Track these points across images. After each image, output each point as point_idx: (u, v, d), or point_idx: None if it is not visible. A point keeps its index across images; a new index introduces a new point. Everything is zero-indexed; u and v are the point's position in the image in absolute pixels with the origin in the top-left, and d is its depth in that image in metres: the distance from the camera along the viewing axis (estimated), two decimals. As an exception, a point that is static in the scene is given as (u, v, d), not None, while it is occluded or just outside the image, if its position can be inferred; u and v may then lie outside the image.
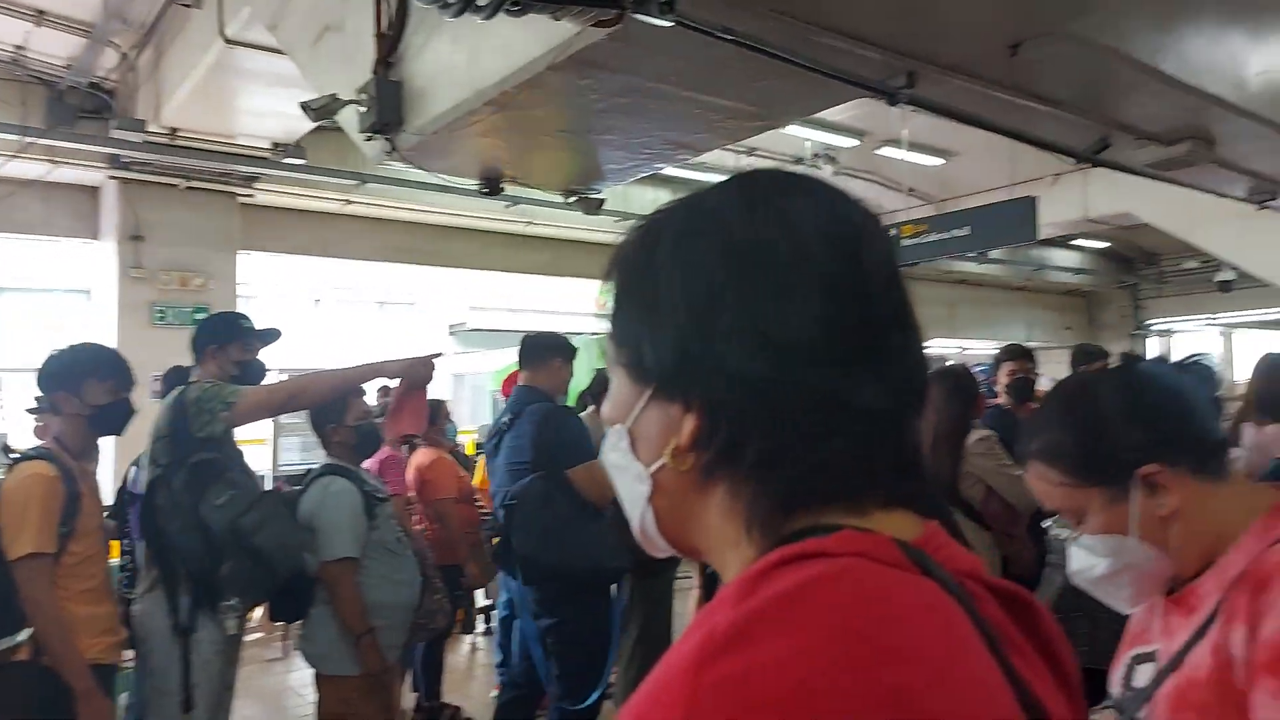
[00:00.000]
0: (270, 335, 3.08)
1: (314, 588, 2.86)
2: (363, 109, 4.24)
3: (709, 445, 0.57)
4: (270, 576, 2.63)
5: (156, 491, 2.61)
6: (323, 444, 3.13)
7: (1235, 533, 1.08)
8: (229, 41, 5.53)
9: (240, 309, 8.44)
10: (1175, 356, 14.08)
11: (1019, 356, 4.62)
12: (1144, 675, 1.13)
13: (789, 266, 0.56)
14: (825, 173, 11.20)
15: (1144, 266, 16.09)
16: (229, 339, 2.92)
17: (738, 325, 0.55)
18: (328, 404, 3.02)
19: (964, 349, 17.68)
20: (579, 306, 13.84)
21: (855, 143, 9.93)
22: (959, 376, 3.93)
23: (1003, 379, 4.66)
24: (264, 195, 8.61)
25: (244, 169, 7.79)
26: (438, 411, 4.94)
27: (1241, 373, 19.38)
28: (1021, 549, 3.50)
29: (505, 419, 3.46)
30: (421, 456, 4.68)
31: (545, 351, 3.56)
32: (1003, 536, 3.58)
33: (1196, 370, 1.20)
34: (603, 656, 3.28)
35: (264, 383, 2.98)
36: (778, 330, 0.55)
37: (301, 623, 2.98)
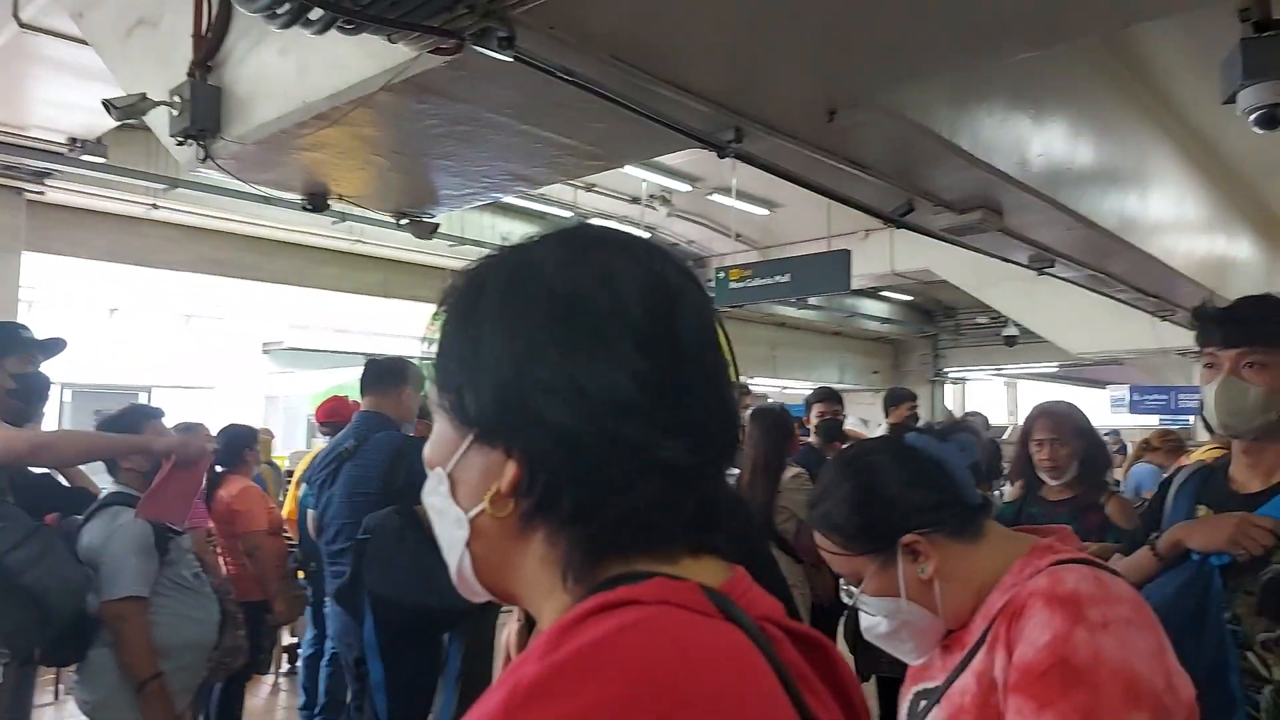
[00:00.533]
0: (54, 346, 2.82)
1: (95, 629, 2.59)
2: (175, 112, 3.97)
3: (528, 494, 0.58)
4: (45, 621, 2.36)
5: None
6: (109, 470, 2.86)
7: (997, 579, 1.18)
8: (24, 26, 5.03)
9: (21, 317, 7.63)
10: (969, 402, 15.31)
11: (827, 399, 4.92)
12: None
13: (606, 323, 0.58)
14: (660, 214, 11.53)
15: (943, 319, 17.55)
16: (6, 350, 2.65)
17: (555, 378, 0.57)
18: (119, 422, 2.79)
19: (784, 388, 18.60)
20: (411, 330, 13.42)
21: (689, 188, 10.29)
22: (775, 416, 4.13)
23: (813, 419, 4.94)
24: (57, 194, 7.84)
25: (33, 164, 7.07)
26: (249, 440, 4.62)
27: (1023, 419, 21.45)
28: (829, 580, 3.70)
29: (347, 445, 3.26)
30: (229, 486, 4.35)
31: (392, 377, 3.40)
32: (812, 569, 3.78)
33: (958, 439, 1.31)
34: (428, 699, 3.17)
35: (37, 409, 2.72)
36: (593, 385, 0.56)
37: (77, 666, 2.69)
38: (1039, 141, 4.92)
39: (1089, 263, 6.81)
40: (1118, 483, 7.98)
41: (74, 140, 6.93)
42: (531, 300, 0.59)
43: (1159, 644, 1.03)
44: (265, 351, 14.58)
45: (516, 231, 10.66)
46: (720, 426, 0.62)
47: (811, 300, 14.26)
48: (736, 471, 4.26)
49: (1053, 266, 6.66)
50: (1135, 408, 12.18)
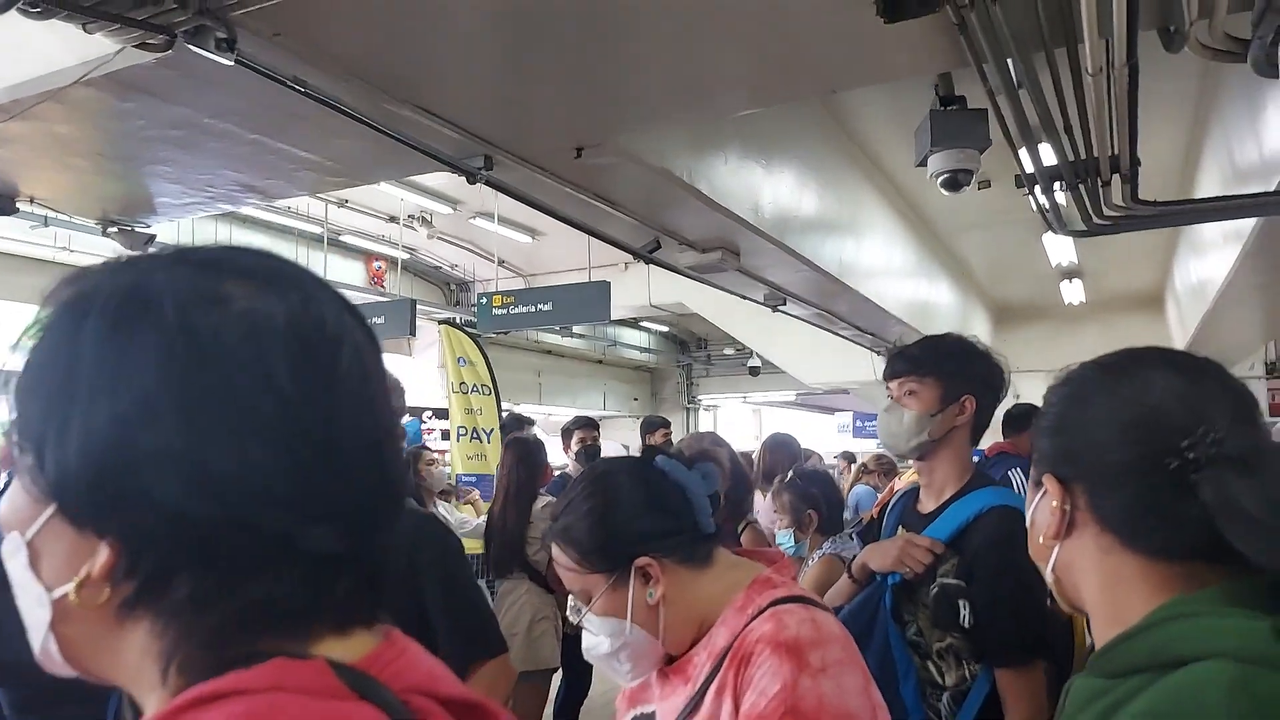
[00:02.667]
0: None
1: None
2: None
3: (127, 580, 0.48)
4: None
5: None
6: None
7: (719, 610, 1.20)
8: None
9: None
10: (720, 427, 16.03)
11: (585, 426, 4.98)
12: None
13: (244, 381, 0.48)
14: (420, 235, 11.21)
15: (695, 350, 18.50)
16: None
17: (171, 447, 0.46)
18: None
19: (549, 414, 18.68)
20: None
21: (450, 210, 10.10)
22: (528, 445, 4.11)
23: (573, 446, 4.97)
24: None
25: None
26: None
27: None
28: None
29: None
30: None
31: None
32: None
33: (701, 468, 1.34)
34: None
35: None
36: (221, 462, 0.47)
37: None
38: (769, 190, 5.31)
39: (815, 302, 7.45)
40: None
41: None
42: (148, 343, 0.48)
43: (866, 678, 1.12)
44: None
45: (255, 245, 9.89)
46: (384, 498, 0.55)
47: (575, 329, 14.51)
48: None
49: (785, 304, 7.21)
50: (858, 433, 13.48)
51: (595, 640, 1.22)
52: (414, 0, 2.76)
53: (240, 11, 2.63)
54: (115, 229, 4.66)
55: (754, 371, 16.99)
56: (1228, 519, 0.69)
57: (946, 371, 1.77)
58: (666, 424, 6.23)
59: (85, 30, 2.67)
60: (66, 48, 2.98)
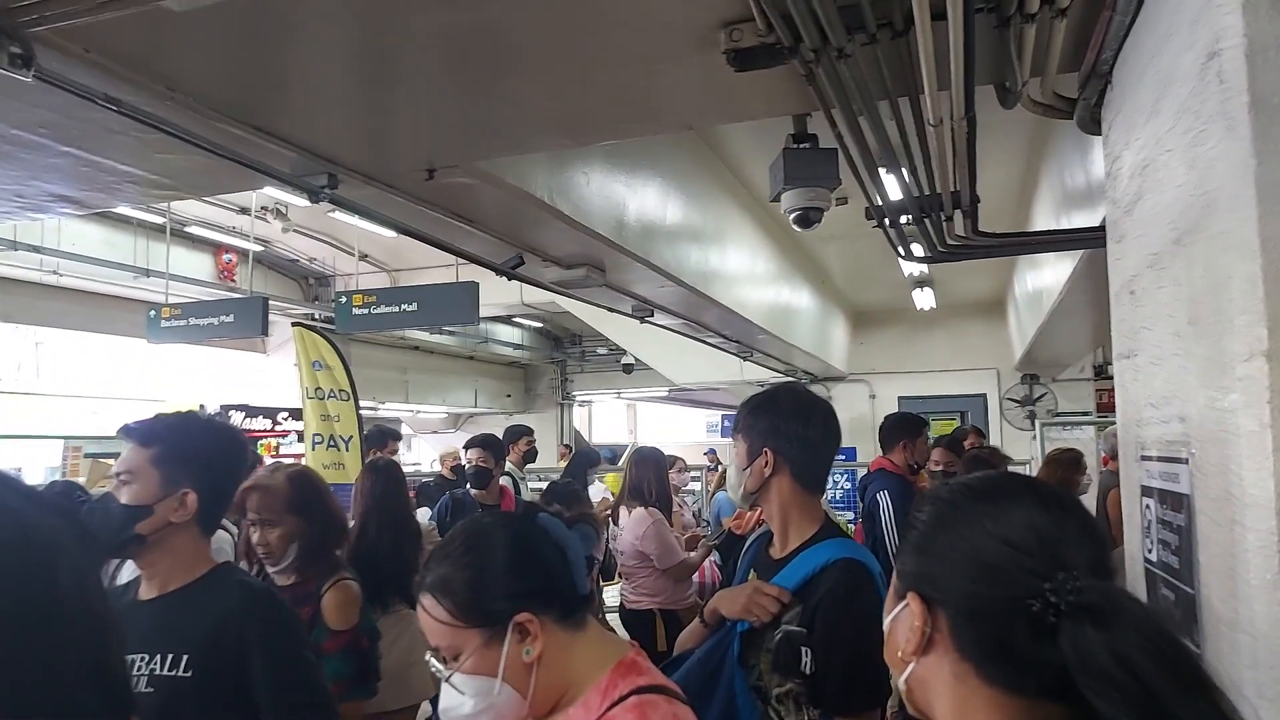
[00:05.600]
0: None
1: None
2: None
3: None
4: None
5: None
6: None
7: (584, 682, 1.20)
8: None
9: None
10: (595, 422, 16.08)
11: (479, 445, 4.82)
12: None
13: None
14: (274, 227, 10.63)
15: (570, 346, 18.41)
16: None
17: None
18: None
19: (418, 412, 18.17)
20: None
21: (306, 201, 9.61)
22: (390, 469, 3.95)
23: (470, 465, 4.83)
24: None
25: None
26: None
27: (643, 435, 23.29)
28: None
29: None
30: None
31: None
32: None
33: (580, 529, 1.33)
34: None
35: None
36: None
37: None
38: (633, 206, 5.29)
39: (682, 313, 7.52)
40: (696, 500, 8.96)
41: None
42: None
43: None
44: None
45: (90, 237, 9.15)
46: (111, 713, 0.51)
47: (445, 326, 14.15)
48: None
49: (653, 315, 7.24)
50: (726, 432, 13.77)
51: (458, 700, 1.18)
52: (252, 23, 2.56)
53: (39, 29, 2.36)
54: (-96, 237, 4.16)
55: (628, 369, 17.08)
56: (1082, 671, 0.71)
57: (745, 428, 1.86)
58: (529, 432, 6.17)
59: None
60: None
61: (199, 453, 1.74)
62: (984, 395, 13.31)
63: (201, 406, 12.40)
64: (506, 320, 15.95)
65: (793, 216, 3.74)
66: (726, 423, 13.70)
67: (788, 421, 1.82)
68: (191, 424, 1.79)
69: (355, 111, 3.26)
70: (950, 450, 4.71)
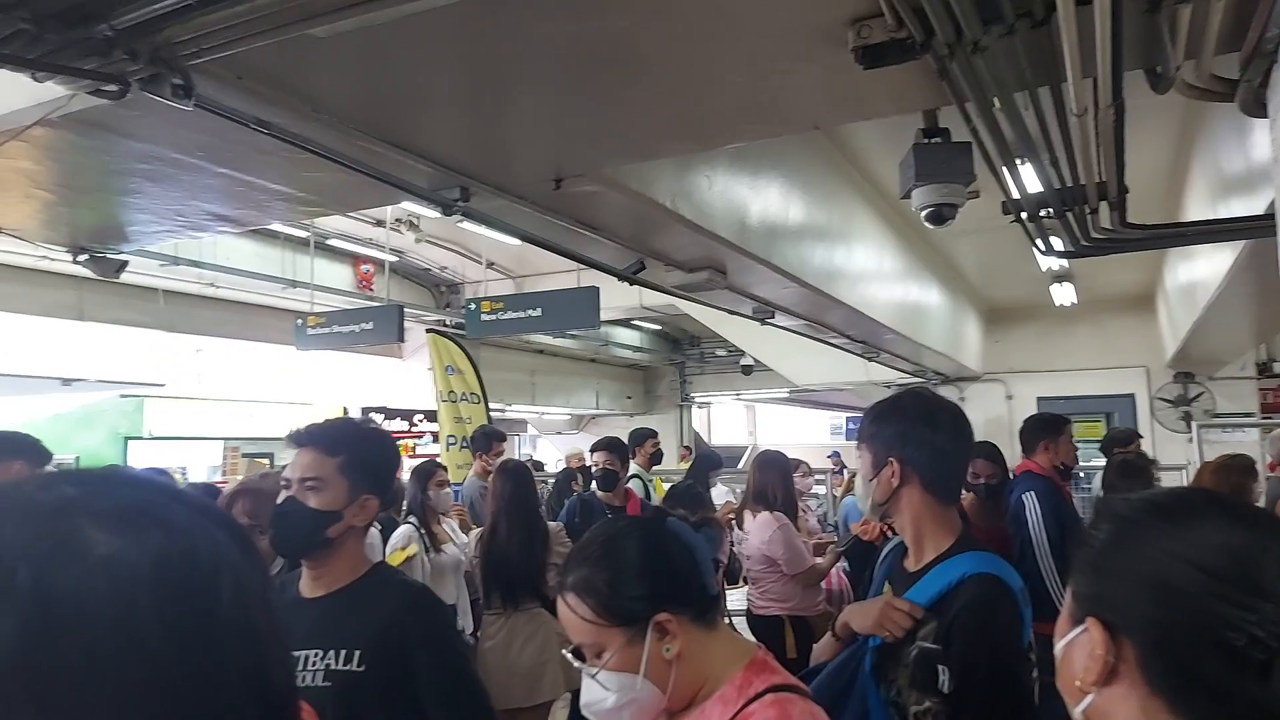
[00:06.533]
0: None
1: None
2: None
3: None
4: None
5: None
6: None
7: (719, 679, 1.24)
8: None
9: None
10: (714, 423, 16.00)
11: (605, 449, 4.90)
12: None
13: (107, 652, 0.44)
14: (408, 238, 11.11)
15: (689, 348, 18.42)
16: None
17: None
18: None
19: (543, 414, 18.62)
20: (110, 355, 11.92)
21: (436, 213, 9.99)
22: (520, 472, 4.05)
23: (597, 468, 4.91)
24: None
25: None
26: None
27: (763, 436, 23.07)
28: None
29: None
30: None
31: (2, 451, 2.94)
32: None
33: (707, 533, 1.37)
34: None
35: None
36: None
37: None
38: (755, 207, 5.24)
39: (805, 314, 7.39)
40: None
41: None
42: (1, 617, 0.44)
43: None
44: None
45: (243, 251, 9.80)
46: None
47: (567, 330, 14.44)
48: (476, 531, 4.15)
49: (774, 317, 7.14)
50: (851, 435, 13.42)
51: (601, 695, 1.23)
52: (387, 44, 2.68)
53: (197, 60, 2.54)
54: (86, 256, 4.58)
55: (747, 370, 16.93)
56: None
57: (869, 437, 1.80)
58: (655, 435, 6.19)
59: (35, 79, 2.59)
60: (22, 90, 2.89)
61: (377, 460, 1.84)
62: (1132, 395, 12.46)
63: (345, 410, 13.12)
64: (626, 323, 16.11)
65: (925, 214, 3.60)
66: (851, 425, 13.33)
67: (914, 428, 1.75)
68: (366, 432, 1.90)
69: (486, 125, 3.36)
70: (991, 461, 4.26)
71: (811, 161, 5.99)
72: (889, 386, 12.19)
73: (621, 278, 5.22)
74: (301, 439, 1.78)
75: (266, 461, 11.72)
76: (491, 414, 12.22)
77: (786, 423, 24.16)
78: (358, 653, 1.67)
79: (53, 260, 8.44)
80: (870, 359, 10.23)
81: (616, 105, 3.10)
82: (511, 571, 3.73)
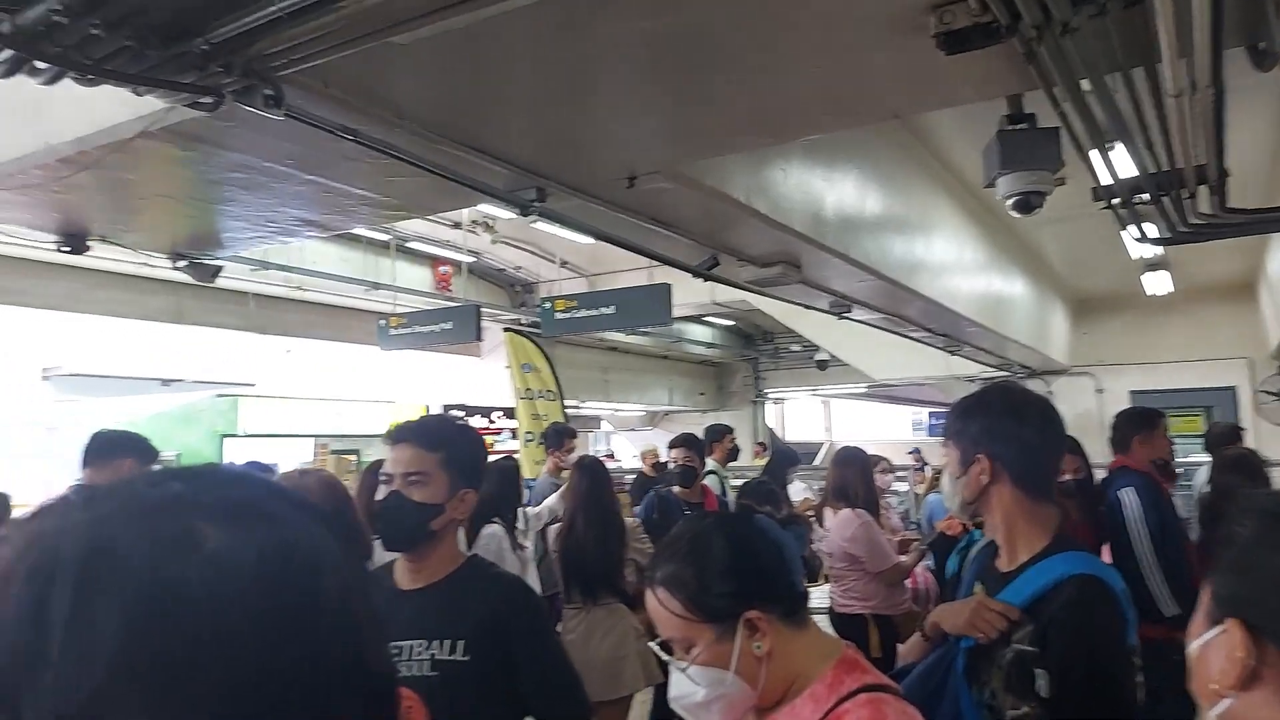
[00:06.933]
0: None
1: None
2: (-107, 145, 3.44)
3: None
4: None
5: None
6: None
7: (810, 676, 1.24)
8: None
9: None
10: (788, 419, 15.81)
11: (683, 445, 4.92)
12: None
13: (212, 642, 0.45)
14: (484, 239, 11.31)
15: (762, 344, 18.26)
16: None
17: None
18: None
19: (617, 410, 18.73)
20: (206, 356, 12.46)
21: (513, 214, 10.13)
22: (596, 468, 4.09)
23: (675, 464, 4.94)
24: None
25: None
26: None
27: (838, 432, 22.74)
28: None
29: None
30: None
31: (114, 449, 3.12)
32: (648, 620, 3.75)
33: (796, 530, 1.37)
34: None
35: None
36: None
37: None
38: (831, 199, 5.16)
39: (883, 308, 7.24)
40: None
41: None
42: (113, 609, 0.45)
43: None
44: (45, 378, 13.06)
45: (327, 255, 10.12)
46: (375, 712, 0.53)
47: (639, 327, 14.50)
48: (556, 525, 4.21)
49: (851, 311, 7.03)
50: (933, 430, 13.10)
51: (690, 689, 1.24)
52: (466, 48, 2.73)
53: (287, 71, 2.64)
54: (184, 262, 4.79)
55: (822, 365, 16.69)
56: None
57: (955, 433, 1.74)
58: (731, 431, 6.16)
59: (136, 93, 2.72)
60: (125, 104, 3.05)
61: (473, 455, 1.91)
62: (1233, 388, 11.85)
63: (427, 407, 13.44)
64: (698, 319, 16.07)
65: (1011, 202, 3.49)
66: (935, 421, 12.99)
67: (1001, 423, 1.70)
68: (462, 428, 1.97)
69: (562, 125, 3.39)
70: (1076, 455, 4.03)
71: (888, 151, 5.87)
72: (972, 381, 11.86)
73: (695, 273, 5.21)
74: (401, 435, 1.83)
75: (353, 458, 12.09)
76: (567, 410, 12.35)
77: (864, 418, 23.75)
78: (461, 643, 1.72)
79: (152, 267, 8.93)
80: (952, 353, 9.98)
81: (691, 101, 3.10)
82: (589, 567, 3.77)
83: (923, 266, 6.74)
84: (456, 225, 10.97)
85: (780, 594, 1.27)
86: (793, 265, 5.39)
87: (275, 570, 0.49)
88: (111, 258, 8.36)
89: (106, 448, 3.13)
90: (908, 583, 4.52)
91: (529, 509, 4.65)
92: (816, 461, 14.14)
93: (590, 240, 11.36)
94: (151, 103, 2.93)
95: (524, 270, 13.12)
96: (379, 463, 4.32)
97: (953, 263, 7.51)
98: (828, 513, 4.63)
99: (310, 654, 0.49)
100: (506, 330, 12.11)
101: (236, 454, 10.32)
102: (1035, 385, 11.92)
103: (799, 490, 8.00)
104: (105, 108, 3.12)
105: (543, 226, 4.40)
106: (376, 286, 10.67)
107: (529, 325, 12.55)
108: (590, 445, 18.57)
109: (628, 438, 19.93)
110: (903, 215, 6.34)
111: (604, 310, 9.19)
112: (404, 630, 1.73)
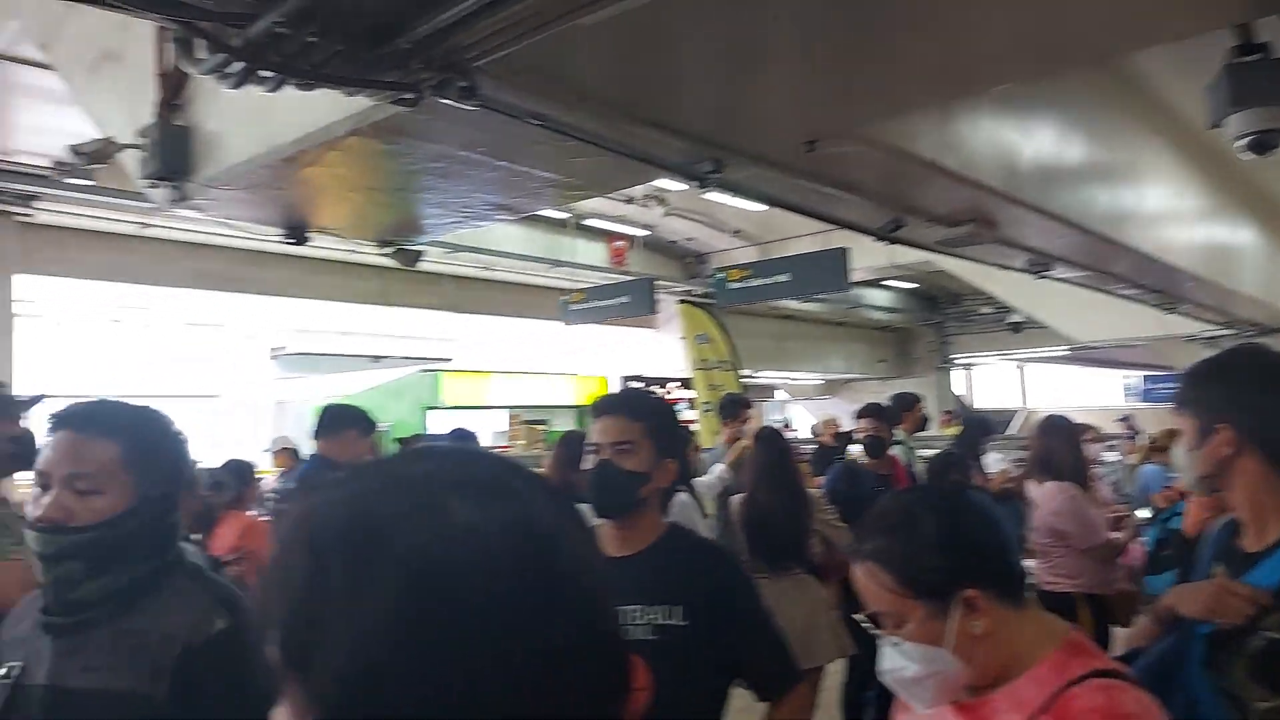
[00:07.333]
0: (34, 402, 2.85)
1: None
2: (144, 154, 3.91)
3: None
4: None
5: None
6: None
7: (1030, 658, 1.21)
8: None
9: (19, 332, 7.61)
10: (977, 387, 15.04)
11: (872, 415, 4.83)
12: None
13: (468, 604, 0.50)
14: (656, 213, 11.43)
15: (949, 306, 17.39)
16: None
17: (410, 672, 0.48)
18: None
19: (792, 379, 18.50)
20: (414, 333, 13.42)
21: (684, 186, 10.17)
22: (777, 438, 4.08)
23: (858, 435, 4.87)
24: (47, 215, 7.82)
25: (19, 187, 7.04)
26: (249, 474, 4.44)
27: (1034, 399, 21.33)
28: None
29: (290, 488, 3.34)
30: (236, 523, 4.04)
31: (341, 422, 3.47)
32: (840, 590, 3.74)
33: (1012, 505, 1.34)
34: None
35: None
36: (450, 679, 0.49)
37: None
38: (1027, 150, 4.82)
39: (1087, 264, 6.71)
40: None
41: (59, 163, 6.89)
42: (379, 578, 0.50)
43: None
44: (274, 357, 14.56)
45: (512, 236, 10.59)
46: (613, 677, 0.56)
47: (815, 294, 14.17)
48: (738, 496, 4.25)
49: (1050, 269, 6.56)
50: (1148, 396, 12.01)
51: (902, 664, 1.23)
52: (644, 24, 2.76)
53: (481, 62, 2.77)
54: (391, 248, 5.18)
55: (1016, 328, 15.69)
56: None
57: (1191, 401, 1.60)
58: (920, 400, 5.91)
59: (347, 94, 2.95)
60: (336, 105, 3.31)
61: (673, 426, 1.98)
62: None
63: (605, 380, 13.86)
64: (876, 284, 15.51)
65: (1244, 142, 3.12)
66: (1149, 385, 11.88)
67: (1249, 391, 1.54)
68: (659, 400, 2.03)
69: (739, 95, 3.37)
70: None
71: (1090, 95, 5.40)
72: (1193, 340, 10.78)
73: (877, 237, 5.04)
74: (608, 406, 1.90)
75: (543, 428, 12.67)
76: (742, 380, 12.34)
77: (1063, 383, 22.12)
78: (680, 608, 1.77)
79: (361, 253, 9.71)
80: (1168, 310, 9.08)
81: (872, 59, 2.98)
82: (775, 537, 3.77)
83: (1132, 218, 6.17)
84: (630, 200, 11.15)
85: (996, 572, 1.24)
86: (985, 223, 5.09)
87: (518, 543, 0.52)
88: (325, 246, 9.20)
89: (335, 421, 3.49)
90: (1122, 560, 4.21)
91: (702, 479, 4.69)
92: (1011, 431, 13.36)
93: (764, 208, 11.24)
94: (360, 102, 3.17)
95: (696, 241, 13.16)
96: (572, 433, 4.53)
97: (1168, 212, 6.83)
98: (1032, 485, 4.38)
99: (552, 620, 0.52)
100: (681, 302, 12.22)
101: (439, 424, 11.06)
102: (1270, 342, 10.66)
103: (996, 462, 7.61)
104: (320, 109, 3.41)
105: (715, 197, 4.39)
106: (557, 264, 11.07)
107: (702, 296, 12.60)
108: (766, 415, 18.47)
109: (804, 406, 19.64)
110: (1108, 163, 5.82)
111: (778, 278, 9.09)
112: (621, 596, 1.82)
